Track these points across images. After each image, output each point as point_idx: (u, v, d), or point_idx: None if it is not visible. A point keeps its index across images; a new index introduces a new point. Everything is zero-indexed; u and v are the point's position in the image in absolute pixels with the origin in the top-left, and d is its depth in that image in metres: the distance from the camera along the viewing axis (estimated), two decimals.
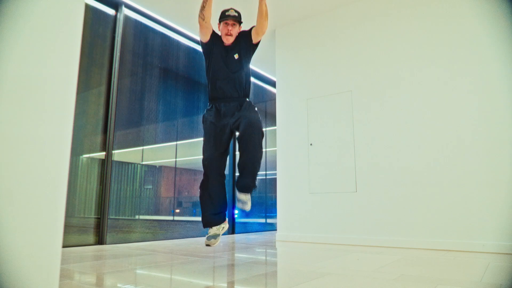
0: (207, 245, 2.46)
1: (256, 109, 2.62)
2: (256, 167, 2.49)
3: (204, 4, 2.46)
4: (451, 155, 3.37)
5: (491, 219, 3.07)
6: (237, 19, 2.55)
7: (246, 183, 2.48)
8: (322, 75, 4.37)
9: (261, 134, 2.50)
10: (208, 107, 2.67)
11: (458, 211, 3.25)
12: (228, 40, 2.57)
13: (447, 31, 3.58)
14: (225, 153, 2.62)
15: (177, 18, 4.69)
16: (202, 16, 2.49)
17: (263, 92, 6.56)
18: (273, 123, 6.17)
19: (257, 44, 2.69)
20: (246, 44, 2.64)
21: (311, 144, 4.27)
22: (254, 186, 2.53)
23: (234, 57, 2.58)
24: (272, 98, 6.47)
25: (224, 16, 2.53)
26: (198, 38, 5.15)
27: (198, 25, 2.54)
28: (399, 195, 3.58)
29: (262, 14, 2.52)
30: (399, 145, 3.67)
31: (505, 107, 3.15)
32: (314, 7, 4.39)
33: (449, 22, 3.59)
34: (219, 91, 2.60)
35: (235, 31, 2.55)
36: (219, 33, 2.65)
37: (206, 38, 2.59)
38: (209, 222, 2.54)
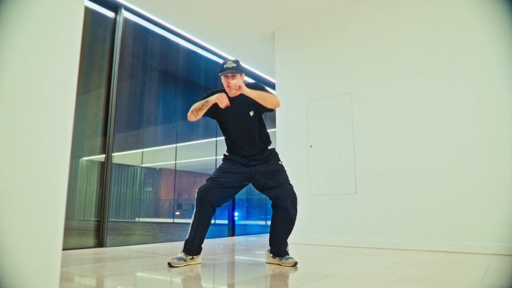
0: (169, 264, 2.35)
1: (280, 163, 2.62)
2: (288, 235, 2.53)
3: (202, 107, 2.48)
4: (451, 156, 3.37)
5: (492, 221, 3.07)
6: (235, 71, 2.47)
7: (281, 248, 2.49)
8: (321, 77, 4.37)
9: (296, 203, 2.52)
10: (229, 155, 2.64)
11: (458, 213, 3.25)
12: (231, 92, 2.51)
13: (447, 32, 3.59)
14: (229, 195, 2.59)
15: (177, 20, 4.70)
16: (196, 115, 2.51)
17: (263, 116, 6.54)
18: (273, 125, 6.17)
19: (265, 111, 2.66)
20: (258, 105, 2.57)
21: (310, 146, 4.28)
22: (287, 246, 2.53)
23: (249, 114, 2.54)
24: None
25: (222, 70, 2.49)
26: (197, 39, 5.16)
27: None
28: (399, 196, 3.58)
29: (263, 103, 2.50)
30: (399, 146, 3.67)
31: (505, 107, 3.15)
32: (314, 9, 4.40)
33: (449, 22, 3.60)
34: (238, 149, 2.59)
35: (234, 82, 2.47)
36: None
37: (201, 116, 2.56)
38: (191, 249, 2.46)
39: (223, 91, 2.57)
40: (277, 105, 2.56)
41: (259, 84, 2.63)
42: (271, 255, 2.54)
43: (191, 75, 5.25)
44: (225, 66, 2.48)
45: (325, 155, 4.16)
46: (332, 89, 4.24)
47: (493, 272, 2.16)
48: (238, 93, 2.50)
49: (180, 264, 2.36)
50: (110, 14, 4.18)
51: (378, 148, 3.79)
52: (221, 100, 2.41)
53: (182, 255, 2.44)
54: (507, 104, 3.15)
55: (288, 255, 2.48)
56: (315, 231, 4.03)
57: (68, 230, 3.49)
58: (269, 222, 6.01)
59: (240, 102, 2.54)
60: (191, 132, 5.11)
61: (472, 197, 3.20)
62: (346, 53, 4.23)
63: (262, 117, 2.65)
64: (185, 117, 5.00)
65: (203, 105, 2.49)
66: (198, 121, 5.15)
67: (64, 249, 3.18)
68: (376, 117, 3.86)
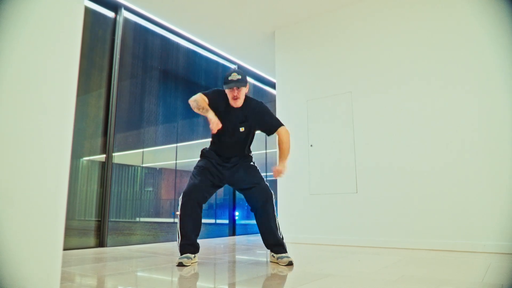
0: (180, 263, 2.35)
1: (252, 163, 2.69)
2: (276, 229, 2.54)
3: (198, 111, 2.50)
4: (452, 155, 3.37)
5: (492, 220, 3.07)
6: (240, 84, 2.46)
7: (276, 242, 2.50)
8: (322, 76, 4.37)
9: (273, 201, 2.56)
10: (208, 148, 2.70)
11: (458, 212, 3.25)
12: (236, 104, 2.53)
13: (447, 31, 3.58)
14: (210, 193, 2.61)
15: (177, 20, 4.69)
16: (192, 107, 2.55)
17: (263, 93, 6.56)
18: None
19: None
20: (257, 125, 2.63)
21: (311, 145, 4.27)
22: (283, 243, 2.54)
23: (239, 129, 2.57)
24: (272, 99, 6.47)
25: (227, 82, 2.46)
26: (197, 39, 5.16)
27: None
28: (399, 196, 3.58)
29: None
30: (399, 146, 3.67)
31: (506, 107, 3.15)
32: (314, 8, 4.40)
33: (449, 22, 3.59)
34: (220, 150, 2.64)
35: (241, 93, 2.50)
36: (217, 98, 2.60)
37: (210, 103, 2.57)
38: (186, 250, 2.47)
39: (224, 94, 2.59)
40: (289, 140, 2.66)
41: (267, 110, 2.64)
42: (272, 254, 2.55)
43: (191, 74, 5.25)
44: (229, 78, 2.45)
45: (325, 155, 4.16)
46: (333, 88, 4.24)
47: (494, 271, 2.16)
48: (240, 104, 2.53)
49: (189, 263, 2.39)
50: (110, 14, 4.18)
51: (379, 148, 3.79)
52: (213, 127, 2.40)
53: (187, 254, 2.43)
54: (508, 104, 3.14)
55: (286, 253, 2.49)
56: (316, 230, 4.03)
57: (68, 230, 3.49)
58: None
59: (236, 115, 2.57)
60: (192, 132, 5.11)
61: (473, 196, 3.20)
62: (346, 52, 4.23)
63: (253, 134, 2.70)
64: (185, 117, 5.02)
65: (199, 110, 2.49)
66: (198, 121, 5.16)
67: (65, 249, 3.19)
68: (376, 116, 3.86)
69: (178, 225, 2.48)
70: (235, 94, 2.47)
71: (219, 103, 2.55)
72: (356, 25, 4.20)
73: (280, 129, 2.62)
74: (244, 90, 2.52)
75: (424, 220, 3.40)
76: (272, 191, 2.57)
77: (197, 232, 2.50)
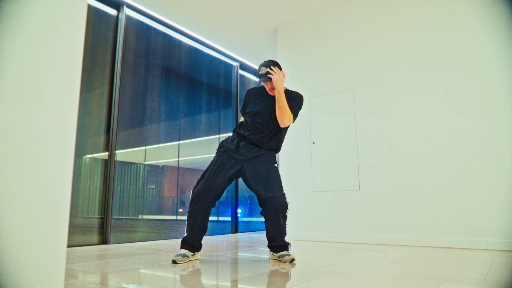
0: (173, 261, 2.37)
1: (276, 165, 2.65)
2: (283, 235, 2.53)
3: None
4: (455, 152, 3.36)
5: (496, 217, 3.06)
6: (268, 78, 2.57)
7: (281, 244, 2.49)
8: (324, 73, 4.36)
9: (286, 213, 2.54)
10: (230, 137, 2.69)
11: (462, 209, 3.24)
12: (273, 93, 2.63)
13: (450, 29, 3.57)
14: (222, 193, 2.59)
15: (179, 17, 4.69)
16: None
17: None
18: None
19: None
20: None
21: (313, 143, 4.27)
22: (287, 246, 2.52)
23: (273, 114, 2.61)
24: None
25: (259, 76, 2.62)
26: (199, 37, 5.15)
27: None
28: (402, 193, 3.58)
29: (278, 109, 2.58)
30: (402, 143, 3.66)
31: (508, 104, 3.14)
32: (316, 5, 4.38)
33: (452, 20, 3.58)
34: (248, 132, 2.61)
35: (277, 79, 2.55)
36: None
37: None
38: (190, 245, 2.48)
39: (260, 87, 2.73)
40: (283, 123, 2.60)
41: (298, 99, 2.70)
42: (272, 252, 2.56)
43: (194, 72, 5.24)
44: (260, 73, 2.60)
45: (328, 152, 4.15)
46: (335, 85, 4.23)
47: (497, 268, 2.16)
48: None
49: (184, 261, 2.38)
50: (112, 11, 4.18)
51: (381, 144, 3.78)
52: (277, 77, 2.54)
53: (185, 251, 2.45)
54: (510, 102, 3.13)
55: (288, 251, 2.49)
56: (318, 228, 4.04)
57: (72, 228, 3.51)
58: None
59: (273, 102, 2.62)
60: (194, 129, 5.12)
61: (476, 193, 3.19)
62: (349, 49, 4.21)
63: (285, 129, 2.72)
64: (188, 114, 5.02)
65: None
66: (201, 118, 5.16)
67: (68, 246, 3.21)
68: (379, 113, 3.85)
69: (186, 220, 2.52)
70: (269, 86, 2.61)
71: (258, 95, 2.69)
72: (359, 22, 4.19)
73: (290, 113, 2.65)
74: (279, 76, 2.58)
75: (427, 217, 3.40)
76: (287, 203, 2.53)
77: (203, 231, 2.52)
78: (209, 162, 2.62)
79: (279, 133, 2.68)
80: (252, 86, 6.18)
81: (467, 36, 3.46)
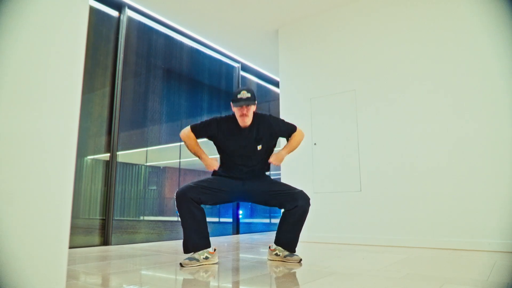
0: (181, 264, 2.29)
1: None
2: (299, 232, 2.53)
3: (191, 151, 2.59)
4: (457, 153, 3.35)
5: (497, 218, 3.05)
6: (251, 102, 2.40)
7: (290, 238, 2.49)
8: (325, 74, 4.36)
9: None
10: (221, 169, 2.61)
11: (464, 210, 3.23)
12: (244, 122, 2.46)
13: (452, 30, 3.56)
14: (213, 199, 2.53)
15: (180, 19, 4.70)
16: (186, 146, 2.59)
17: (267, 92, 6.56)
18: None
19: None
20: (273, 137, 2.61)
21: (315, 144, 4.27)
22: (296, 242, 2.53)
23: (256, 148, 2.52)
24: (275, 98, 6.46)
25: (236, 100, 2.40)
26: (201, 38, 5.16)
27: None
28: (404, 194, 3.57)
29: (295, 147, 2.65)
30: (403, 144, 3.66)
31: (509, 106, 3.13)
32: (318, 5, 4.38)
33: (454, 21, 3.57)
34: (234, 171, 2.57)
35: (250, 111, 2.45)
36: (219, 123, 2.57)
37: (201, 137, 2.59)
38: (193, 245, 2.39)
39: (231, 117, 2.54)
40: (301, 140, 2.68)
41: (278, 120, 2.64)
42: (274, 252, 2.54)
43: (195, 73, 5.25)
44: (239, 96, 2.40)
45: (329, 153, 4.15)
46: (336, 86, 4.23)
47: (499, 269, 2.15)
48: (249, 122, 2.48)
49: (192, 264, 2.30)
50: (114, 13, 4.19)
51: (383, 145, 3.78)
52: (210, 168, 2.52)
53: (194, 255, 2.36)
54: (510, 104, 3.13)
55: (295, 252, 2.49)
56: (320, 229, 4.03)
57: (73, 229, 3.51)
58: (273, 220, 5.99)
59: (250, 134, 2.51)
60: None
61: (478, 194, 3.18)
62: (350, 50, 4.21)
63: (272, 148, 2.67)
64: (189, 115, 5.03)
65: (194, 152, 2.57)
66: (202, 119, 5.13)
67: (70, 247, 3.20)
68: (380, 114, 3.85)
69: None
70: (244, 112, 2.42)
71: (223, 129, 2.52)
72: (360, 23, 4.18)
73: (297, 131, 2.68)
74: (253, 108, 2.47)
75: (428, 218, 3.39)
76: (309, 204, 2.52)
77: (200, 228, 2.41)
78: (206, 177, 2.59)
79: (266, 155, 2.63)
80: (252, 86, 6.21)
81: (469, 37, 3.45)
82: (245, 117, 2.43)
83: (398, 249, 3.24)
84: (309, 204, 2.48)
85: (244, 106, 2.40)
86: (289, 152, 2.63)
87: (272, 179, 2.66)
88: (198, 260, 2.33)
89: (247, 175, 2.56)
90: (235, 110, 2.46)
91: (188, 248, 2.37)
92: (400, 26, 3.89)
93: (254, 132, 2.51)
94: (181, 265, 2.29)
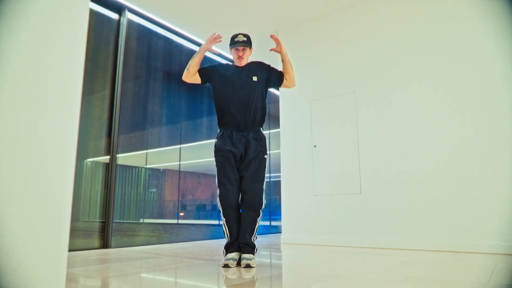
0: (226, 265, 2.39)
1: (265, 146, 2.65)
2: (256, 221, 2.56)
3: (195, 57, 2.65)
4: (457, 155, 3.35)
5: (498, 220, 3.05)
6: (247, 44, 2.61)
7: (246, 241, 2.49)
8: (325, 76, 4.37)
9: (260, 210, 2.58)
10: (219, 134, 2.64)
11: (464, 212, 3.23)
12: (240, 63, 2.65)
13: (452, 32, 3.57)
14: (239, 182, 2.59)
15: (180, 21, 4.70)
16: (191, 71, 2.68)
17: (267, 94, 6.55)
18: (277, 125, 6.17)
19: (275, 86, 2.83)
20: (267, 77, 2.71)
21: (315, 146, 4.27)
22: (254, 246, 2.54)
23: (252, 79, 2.61)
24: (275, 100, 6.46)
25: (233, 43, 2.61)
26: (200, 40, 5.17)
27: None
28: (404, 196, 3.56)
29: (286, 69, 2.71)
30: (403, 146, 3.66)
31: (509, 106, 3.13)
32: (318, 9, 4.39)
33: (454, 23, 3.58)
34: (231, 117, 2.58)
35: (246, 54, 2.64)
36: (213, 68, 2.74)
37: (199, 81, 2.72)
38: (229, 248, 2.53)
39: (230, 63, 2.72)
40: (294, 83, 2.78)
41: (269, 66, 2.80)
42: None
43: None
44: (236, 39, 2.60)
45: (329, 155, 4.15)
46: (336, 88, 4.23)
47: (500, 272, 2.14)
48: (244, 62, 2.65)
49: (234, 264, 2.41)
50: (114, 16, 4.20)
51: (383, 148, 3.78)
52: (212, 39, 2.59)
53: (233, 255, 2.46)
54: (511, 105, 3.13)
55: (252, 254, 2.48)
56: (320, 231, 4.02)
57: (73, 232, 3.50)
58: (273, 223, 5.98)
59: (246, 71, 2.65)
60: (195, 132, 5.12)
61: (479, 196, 3.18)
62: (350, 52, 4.22)
63: (265, 90, 2.74)
64: (189, 118, 5.03)
65: (195, 56, 2.64)
66: (202, 121, 5.16)
67: (69, 250, 3.19)
68: (381, 117, 3.85)
69: (224, 227, 2.59)
70: (240, 54, 2.61)
71: (222, 68, 2.69)
72: (360, 26, 4.19)
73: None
74: (248, 52, 2.66)
75: (429, 221, 3.39)
76: (262, 201, 2.55)
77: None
78: (214, 166, 2.61)
79: (262, 97, 2.68)
80: None
81: (469, 37, 3.46)
82: (241, 59, 2.63)
83: (399, 251, 3.23)
84: (257, 210, 2.55)
85: (241, 48, 2.61)
86: (285, 56, 2.71)
87: (262, 163, 2.58)
88: (236, 259, 2.47)
89: (244, 122, 2.56)
90: (232, 52, 2.66)
91: (237, 248, 2.53)
92: (400, 29, 3.90)
93: (248, 69, 2.67)
94: (226, 265, 2.39)
